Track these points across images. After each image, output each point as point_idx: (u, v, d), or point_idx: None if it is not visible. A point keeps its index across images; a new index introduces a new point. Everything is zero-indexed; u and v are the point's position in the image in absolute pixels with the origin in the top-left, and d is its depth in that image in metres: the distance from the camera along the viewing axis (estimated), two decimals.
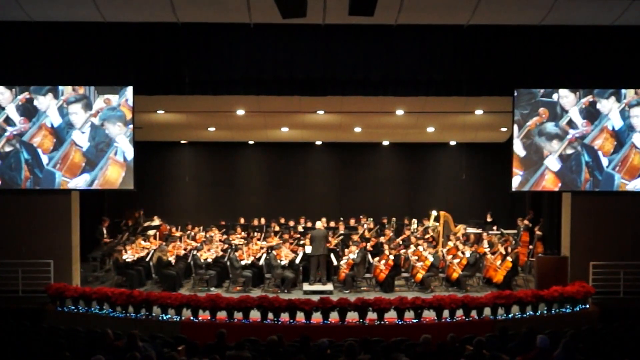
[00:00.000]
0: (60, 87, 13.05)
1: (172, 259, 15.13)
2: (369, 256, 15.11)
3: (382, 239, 16.16)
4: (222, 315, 11.69)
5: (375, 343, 8.74)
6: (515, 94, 13.21)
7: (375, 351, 7.95)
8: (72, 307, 12.25)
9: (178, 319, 11.66)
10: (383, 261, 14.59)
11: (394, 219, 18.81)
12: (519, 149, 13.24)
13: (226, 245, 16.08)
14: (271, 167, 21.54)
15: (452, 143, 21.10)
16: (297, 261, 15.09)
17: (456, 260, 14.78)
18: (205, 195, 21.37)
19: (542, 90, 13.19)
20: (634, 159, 13.17)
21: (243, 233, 17.57)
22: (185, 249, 15.84)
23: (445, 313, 11.71)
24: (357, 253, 14.67)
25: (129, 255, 14.73)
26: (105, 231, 16.68)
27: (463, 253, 14.87)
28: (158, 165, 20.90)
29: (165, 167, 21.24)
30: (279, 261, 14.66)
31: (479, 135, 19.51)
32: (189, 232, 17.48)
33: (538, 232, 16.28)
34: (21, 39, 12.81)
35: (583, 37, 12.86)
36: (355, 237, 15.80)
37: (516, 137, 13.25)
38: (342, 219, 18.34)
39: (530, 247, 16.39)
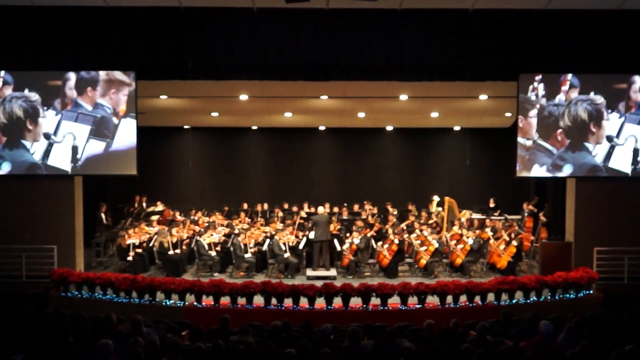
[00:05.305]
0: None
1: (173, 243, 15.14)
2: (373, 242, 15.11)
3: (386, 226, 16.13)
4: (225, 300, 11.68)
5: (378, 328, 8.71)
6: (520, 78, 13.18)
7: (379, 336, 7.93)
8: (76, 293, 12.25)
9: (181, 304, 11.66)
10: (386, 245, 14.59)
11: (390, 204, 18.74)
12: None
13: (229, 230, 16.08)
14: (274, 153, 21.52)
15: (457, 128, 21.03)
16: (301, 247, 15.09)
17: (460, 246, 14.76)
18: (208, 181, 21.36)
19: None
20: None
21: (247, 219, 17.55)
22: (188, 234, 15.85)
23: (449, 299, 11.68)
24: (361, 239, 14.66)
25: (132, 241, 14.74)
26: (103, 217, 16.68)
27: (467, 238, 14.85)
28: (161, 150, 20.91)
29: (168, 153, 21.23)
30: (282, 246, 14.66)
31: (483, 120, 19.43)
32: (192, 217, 17.48)
33: (542, 218, 16.24)
34: (23, 24, 12.75)
35: (589, 22, 12.76)
36: (359, 223, 15.78)
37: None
38: (345, 204, 18.31)
39: (534, 237, 16.35)
